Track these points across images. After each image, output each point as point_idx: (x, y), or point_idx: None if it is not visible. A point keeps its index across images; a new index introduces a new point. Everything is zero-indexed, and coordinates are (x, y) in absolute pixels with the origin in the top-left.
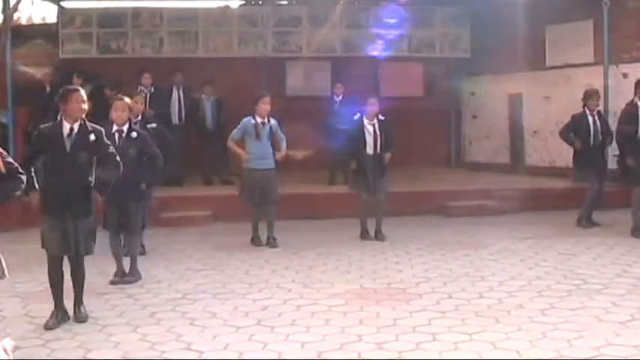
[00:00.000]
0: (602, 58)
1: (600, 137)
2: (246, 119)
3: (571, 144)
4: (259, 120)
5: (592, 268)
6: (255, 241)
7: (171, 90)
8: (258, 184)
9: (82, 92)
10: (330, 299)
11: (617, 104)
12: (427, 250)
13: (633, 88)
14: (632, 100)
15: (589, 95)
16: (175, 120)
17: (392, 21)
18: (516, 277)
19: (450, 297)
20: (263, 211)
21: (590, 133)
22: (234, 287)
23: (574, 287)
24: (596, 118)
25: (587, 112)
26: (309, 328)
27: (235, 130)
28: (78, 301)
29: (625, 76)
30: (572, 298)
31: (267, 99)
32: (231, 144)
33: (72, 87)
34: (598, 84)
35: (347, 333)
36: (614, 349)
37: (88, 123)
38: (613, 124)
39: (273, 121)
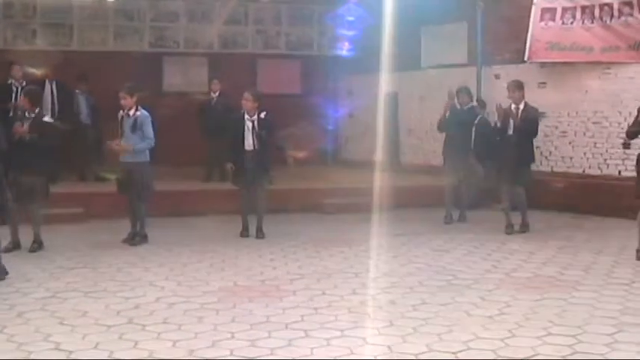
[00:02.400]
0: (475, 60)
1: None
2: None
3: None
4: (124, 112)
5: (463, 264)
6: (128, 237)
7: (44, 83)
8: (125, 176)
9: None
10: (203, 297)
11: (490, 105)
12: (302, 247)
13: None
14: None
15: (457, 91)
16: (48, 115)
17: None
18: (389, 273)
19: (324, 293)
20: (135, 207)
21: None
22: (106, 285)
23: (445, 283)
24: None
25: (458, 107)
26: (181, 326)
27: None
28: None
29: (497, 77)
30: (443, 294)
31: (120, 94)
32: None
33: None
34: (471, 85)
35: (219, 330)
36: (481, 342)
37: None
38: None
39: (139, 113)
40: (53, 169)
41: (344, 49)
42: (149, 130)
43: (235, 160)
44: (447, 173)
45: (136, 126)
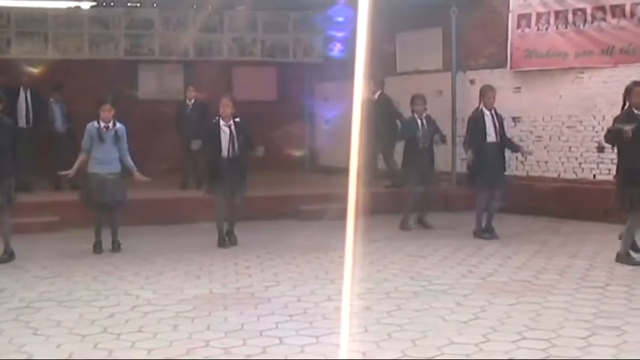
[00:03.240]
0: (450, 65)
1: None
2: (89, 124)
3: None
4: (102, 124)
5: (439, 269)
6: (97, 247)
7: (18, 91)
8: (100, 188)
9: None
10: (179, 305)
11: (465, 110)
12: (278, 254)
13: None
14: (478, 107)
15: (413, 98)
16: (22, 123)
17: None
18: (365, 279)
19: (299, 300)
20: (107, 216)
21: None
22: (81, 295)
23: (421, 288)
24: (424, 121)
25: (415, 115)
26: (157, 334)
27: (84, 140)
28: None
29: (472, 82)
30: (418, 299)
31: (107, 106)
32: (79, 157)
33: None
34: (447, 90)
35: (194, 338)
36: (456, 347)
37: None
38: (462, 129)
39: (118, 126)
40: (24, 176)
41: (335, 50)
42: (125, 144)
43: (212, 169)
44: (413, 180)
45: (117, 138)
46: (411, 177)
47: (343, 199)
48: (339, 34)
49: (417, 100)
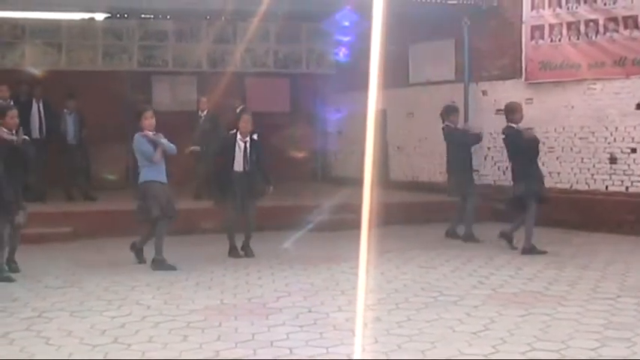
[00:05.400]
0: (462, 76)
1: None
2: (137, 135)
3: None
4: (150, 134)
5: (449, 280)
6: (139, 255)
7: (31, 102)
8: (165, 198)
9: None
10: (190, 315)
11: (477, 120)
12: (289, 265)
13: (503, 112)
14: (511, 125)
15: (449, 109)
16: (36, 134)
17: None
18: (376, 290)
19: (310, 311)
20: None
21: None
22: (92, 305)
23: (431, 299)
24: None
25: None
26: (167, 344)
27: (144, 149)
28: None
29: (484, 93)
30: (428, 310)
31: (149, 113)
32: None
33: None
34: (459, 101)
35: (204, 349)
36: (465, 358)
37: None
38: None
39: (160, 135)
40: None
41: (340, 54)
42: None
43: (223, 181)
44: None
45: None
46: (470, 187)
47: (355, 209)
48: (346, 39)
49: (450, 110)
